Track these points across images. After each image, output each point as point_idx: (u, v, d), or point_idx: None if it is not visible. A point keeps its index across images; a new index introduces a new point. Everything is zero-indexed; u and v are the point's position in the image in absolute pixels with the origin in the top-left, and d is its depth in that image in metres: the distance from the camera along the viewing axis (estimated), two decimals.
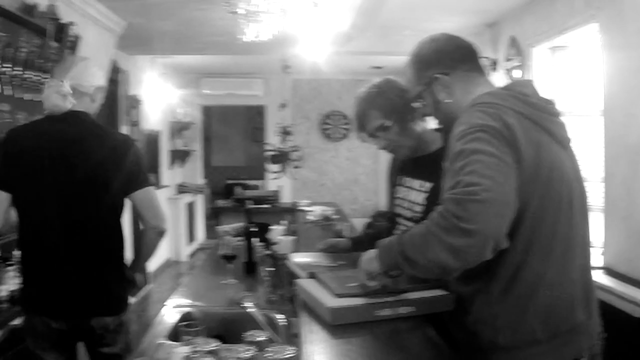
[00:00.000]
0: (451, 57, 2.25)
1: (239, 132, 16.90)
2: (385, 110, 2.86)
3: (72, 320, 2.94)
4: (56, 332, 2.93)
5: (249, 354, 1.91)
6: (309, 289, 2.49)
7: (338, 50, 7.53)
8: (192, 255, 11.23)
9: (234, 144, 16.95)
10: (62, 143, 2.91)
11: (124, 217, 3.10)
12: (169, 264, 10.17)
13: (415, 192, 2.93)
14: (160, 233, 3.11)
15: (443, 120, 2.36)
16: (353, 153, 12.56)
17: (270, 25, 5.16)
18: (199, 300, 3.09)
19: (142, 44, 7.82)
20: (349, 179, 12.70)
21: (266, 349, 1.90)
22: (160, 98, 10.11)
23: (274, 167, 10.74)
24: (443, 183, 2.01)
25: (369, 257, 2.17)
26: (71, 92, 2.95)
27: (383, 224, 3.42)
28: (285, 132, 10.94)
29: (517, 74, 6.40)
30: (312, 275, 2.69)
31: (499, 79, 7.07)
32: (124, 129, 8.04)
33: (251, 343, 2.00)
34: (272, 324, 2.46)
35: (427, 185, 2.87)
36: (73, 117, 2.96)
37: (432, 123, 3.05)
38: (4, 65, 4.14)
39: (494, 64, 6.99)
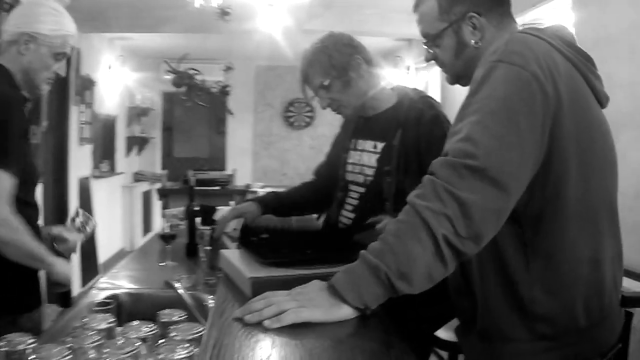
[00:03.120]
0: None
1: (203, 123, 16.53)
2: (325, 67, 2.69)
3: None
4: None
5: (149, 333, 1.56)
6: (232, 259, 2.15)
7: (299, 27, 7.17)
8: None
9: (198, 135, 16.56)
10: None
11: None
12: (122, 254, 9.66)
13: (368, 154, 2.75)
14: None
15: (460, 70, 1.93)
16: (317, 142, 12.21)
17: None
18: (134, 283, 2.77)
19: (93, 19, 7.41)
20: (311, 168, 12.01)
21: (171, 327, 1.56)
22: (117, 81, 9.78)
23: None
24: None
25: (322, 298, 1.59)
26: None
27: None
28: (223, 92, 10.24)
29: None
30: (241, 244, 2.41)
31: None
32: (74, 110, 7.68)
33: (163, 323, 1.66)
34: (200, 305, 2.23)
35: (380, 145, 2.69)
36: None
37: (387, 81, 2.82)
38: None
39: None
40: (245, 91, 11.77)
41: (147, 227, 10.95)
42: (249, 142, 12.11)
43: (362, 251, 1.57)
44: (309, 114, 12.15)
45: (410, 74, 9.12)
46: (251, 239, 2.35)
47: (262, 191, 6.97)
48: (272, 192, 3.31)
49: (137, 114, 10.92)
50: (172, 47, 10.04)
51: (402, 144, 2.61)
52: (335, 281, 1.57)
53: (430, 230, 1.48)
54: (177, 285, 2.37)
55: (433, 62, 1.98)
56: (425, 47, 1.96)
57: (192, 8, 5.10)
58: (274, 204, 3.14)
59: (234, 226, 3.08)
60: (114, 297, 2.46)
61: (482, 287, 1.73)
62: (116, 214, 9.86)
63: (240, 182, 9.95)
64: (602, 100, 1.77)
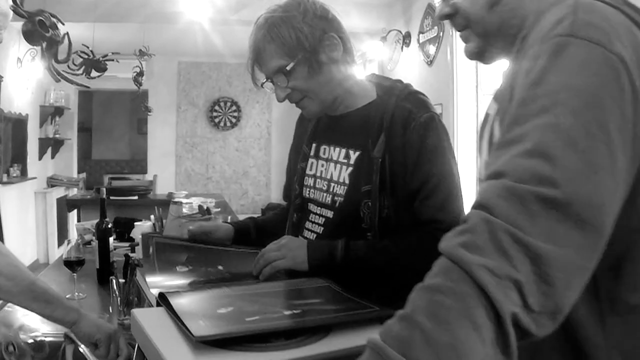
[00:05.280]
0: None
1: (123, 123, 15.95)
2: (290, 45, 2.00)
3: None
4: None
5: None
6: (147, 327, 1.37)
7: (226, 18, 6.63)
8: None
9: (117, 136, 15.96)
10: None
11: None
12: (36, 266, 9.08)
13: (337, 165, 2.14)
14: None
15: (492, 29, 1.39)
16: (243, 143, 11.77)
17: None
18: (35, 323, 2.27)
19: None
20: (238, 171, 11.88)
21: None
22: (28, 77, 9.07)
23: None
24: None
25: None
26: None
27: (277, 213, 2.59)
28: (137, 80, 9.21)
29: (432, 49, 5.78)
30: (163, 298, 1.54)
31: (412, 55, 6.49)
32: None
33: None
34: None
35: (354, 155, 2.09)
36: None
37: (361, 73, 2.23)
38: None
39: (407, 38, 6.36)
40: (167, 89, 11.23)
41: (63, 236, 10.25)
42: (172, 144, 11.53)
43: (375, 339, 0.96)
44: (234, 114, 11.66)
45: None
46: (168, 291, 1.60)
47: (186, 201, 6.42)
48: (249, 218, 2.62)
49: (50, 113, 10.19)
50: (90, 41, 9.38)
51: (386, 156, 2.02)
52: None
53: (494, 307, 0.92)
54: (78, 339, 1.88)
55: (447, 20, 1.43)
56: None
57: None
58: (250, 231, 2.48)
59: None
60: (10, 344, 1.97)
61: None
62: (29, 222, 9.22)
63: (162, 187, 9.41)
64: None
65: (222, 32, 7.08)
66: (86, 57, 6.17)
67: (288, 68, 2.00)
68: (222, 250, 2.19)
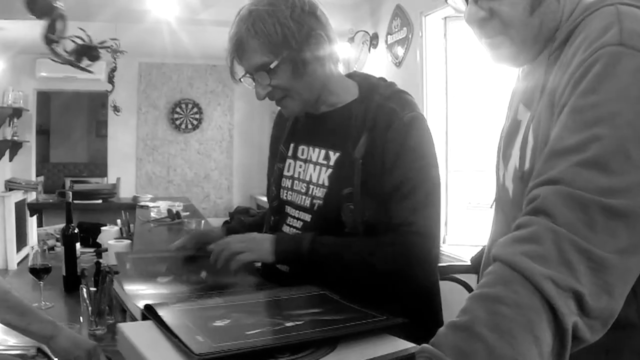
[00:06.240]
0: None
1: (82, 125, 15.72)
2: (275, 41, 1.90)
3: None
4: None
5: None
6: (139, 344, 1.27)
7: (190, 18, 6.50)
8: (22, 262, 9.82)
9: (76, 139, 15.73)
10: None
11: None
12: None
13: (316, 167, 2.06)
14: None
15: (533, 34, 1.35)
16: (204, 146, 11.63)
17: None
18: (4, 334, 2.11)
19: None
20: (199, 174, 11.72)
21: None
22: None
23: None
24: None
25: None
26: None
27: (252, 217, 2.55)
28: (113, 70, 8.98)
29: (401, 51, 5.75)
30: (150, 310, 1.46)
31: (380, 56, 6.46)
32: None
33: None
34: None
35: (334, 156, 2.01)
36: None
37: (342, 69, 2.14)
38: None
39: (374, 39, 6.32)
40: (128, 91, 10.99)
41: (21, 242, 10.00)
42: (132, 147, 11.31)
43: (431, 349, 0.92)
44: (196, 115, 11.50)
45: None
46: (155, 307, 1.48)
47: (152, 205, 6.30)
48: (238, 217, 2.57)
49: (9, 114, 9.94)
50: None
51: (368, 157, 1.95)
52: None
53: (556, 319, 0.92)
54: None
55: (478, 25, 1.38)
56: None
57: None
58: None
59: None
60: None
61: None
62: None
63: (123, 190, 9.27)
64: None
65: (189, 32, 6.97)
66: (82, 42, 5.87)
67: (272, 66, 1.92)
68: (204, 256, 2.09)
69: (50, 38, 4.12)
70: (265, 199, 2.48)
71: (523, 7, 1.30)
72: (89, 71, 5.50)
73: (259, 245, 1.95)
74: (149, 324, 1.40)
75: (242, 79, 2.05)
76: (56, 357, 1.77)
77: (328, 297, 1.65)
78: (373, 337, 1.35)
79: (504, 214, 1.50)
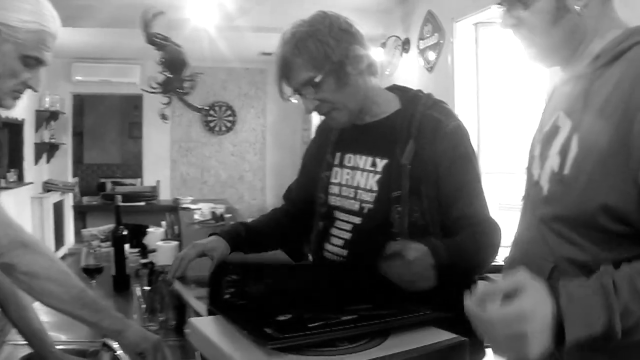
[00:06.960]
0: None
1: (115, 127, 15.87)
2: (317, 58, 2.05)
3: None
4: None
5: None
6: (213, 339, 1.42)
7: (227, 24, 6.63)
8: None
9: (109, 140, 15.88)
10: None
11: None
12: None
13: (364, 174, 2.19)
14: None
15: (556, 42, 1.52)
16: (238, 148, 11.77)
17: None
18: (56, 332, 2.27)
19: None
20: (233, 176, 11.86)
21: None
22: None
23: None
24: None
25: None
26: None
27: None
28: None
29: (432, 56, 5.84)
30: (216, 307, 1.64)
31: (411, 61, 6.54)
32: None
33: None
34: None
35: (381, 163, 2.15)
36: None
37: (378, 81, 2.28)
38: None
39: (406, 44, 6.40)
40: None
41: (59, 242, 10.16)
42: (167, 149, 11.46)
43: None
44: (229, 118, 11.63)
45: None
46: (228, 299, 1.71)
47: (194, 207, 6.40)
48: (239, 222, 2.63)
49: (46, 118, 10.11)
50: (83, 46, 9.35)
51: (415, 162, 2.09)
52: None
53: None
54: (115, 345, 1.90)
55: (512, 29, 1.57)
56: (504, 6, 1.55)
57: None
58: (244, 238, 2.42)
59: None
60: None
61: None
62: (25, 228, 8.96)
63: (160, 192, 9.37)
64: None
65: (224, 37, 7.08)
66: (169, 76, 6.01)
67: (316, 80, 2.06)
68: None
69: (182, 91, 4.35)
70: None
71: (546, 20, 1.47)
72: (207, 110, 5.84)
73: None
74: (218, 318, 1.56)
75: (291, 98, 2.19)
76: (125, 350, 1.90)
77: (379, 293, 1.81)
78: (420, 329, 1.53)
79: (532, 211, 1.59)
